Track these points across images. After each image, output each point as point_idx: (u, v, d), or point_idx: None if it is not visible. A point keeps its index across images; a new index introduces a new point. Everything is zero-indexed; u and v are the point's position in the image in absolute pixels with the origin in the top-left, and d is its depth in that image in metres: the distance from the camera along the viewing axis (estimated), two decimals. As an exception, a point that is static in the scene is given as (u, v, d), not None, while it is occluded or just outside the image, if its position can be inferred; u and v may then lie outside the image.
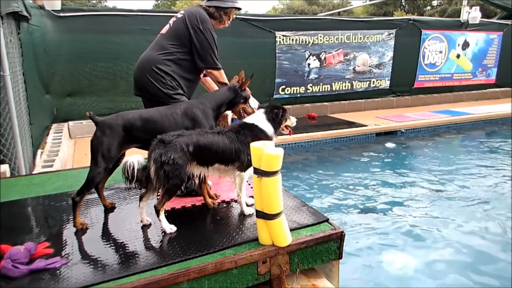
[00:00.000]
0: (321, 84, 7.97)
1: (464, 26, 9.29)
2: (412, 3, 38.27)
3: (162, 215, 2.18)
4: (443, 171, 5.23)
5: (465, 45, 9.38)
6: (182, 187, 2.45)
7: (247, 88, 2.70)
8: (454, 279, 2.97)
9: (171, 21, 2.85)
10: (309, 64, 7.76)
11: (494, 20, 10.90)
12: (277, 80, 7.53)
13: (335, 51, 7.96)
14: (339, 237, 2.29)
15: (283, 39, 7.41)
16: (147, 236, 2.20)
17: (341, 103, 8.18)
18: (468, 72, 9.62)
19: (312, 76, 7.86)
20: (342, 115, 7.61)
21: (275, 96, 7.48)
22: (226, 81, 2.80)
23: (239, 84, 2.61)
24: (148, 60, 2.74)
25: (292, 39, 7.51)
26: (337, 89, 8.17)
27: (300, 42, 7.60)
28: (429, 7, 37.50)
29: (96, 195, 2.59)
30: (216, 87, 2.95)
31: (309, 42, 7.65)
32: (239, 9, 2.98)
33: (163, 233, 2.20)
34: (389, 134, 6.85)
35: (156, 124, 2.36)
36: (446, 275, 3.01)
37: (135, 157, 2.14)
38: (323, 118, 7.57)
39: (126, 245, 2.09)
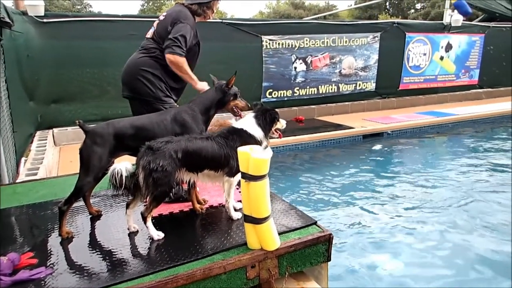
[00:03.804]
0: (307, 87, 8.03)
1: (447, 28, 9.47)
2: (396, 7, 38.88)
3: (150, 222, 2.17)
4: (429, 172, 5.30)
5: (448, 47, 9.56)
6: (171, 194, 2.44)
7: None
8: (442, 278, 3.00)
9: (155, 24, 2.87)
10: (295, 68, 7.82)
11: (475, 22, 11.13)
12: (264, 84, 7.56)
13: (321, 54, 8.03)
14: (327, 240, 2.30)
15: (269, 43, 7.45)
16: (134, 243, 2.18)
17: (328, 105, 8.24)
18: (452, 73, 9.80)
19: (299, 79, 7.91)
20: (329, 118, 7.67)
21: (262, 100, 7.49)
22: (188, 72, 2.72)
23: (225, 83, 2.60)
24: (136, 62, 2.76)
25: (279, 43, 7.56)
26: (324, 92, 8.23)
27: (287, 46, 7.65)
28: (413, 10, 38.15)
29: (82, 203, 2.56)
30: None
31: (295, 46, 7.71)
32: None
33: (150, 240, 2.18)
34: (376, 136, 6.92)
35: (147, 131, 2.35)
36: (434, 275, 3.04)
37: (122, 164, 2.12)
38: (310, 121, 7.62)
39: (113, 253, 2.07)
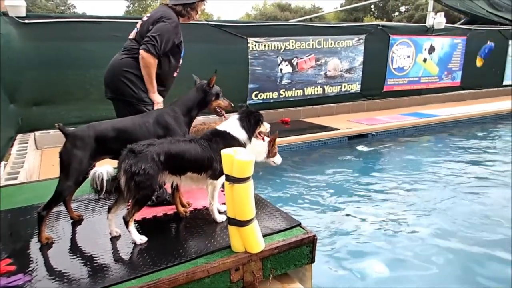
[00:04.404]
0: (293, 89, 8.06)
1: (430, 31, 9.62)
2: (381, 9, 39.42)
3: (132, 226, 2.14)
4: (413, 172, 5.36)
5: (431, 49, 9.71)
6: (153, 197, 2.41)
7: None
8: (425, 278, 3.03)
9: (138, 25, 2.85)
10: (281, 70, 7.84)
11: (458, 25, 11.34)
12: (250, 86, 7.56)
13: (307, 56, 8.07)
14: (312, 241, 2.31)
15: (255, 45, 7.46)
16: (116, 248, 2.15)
17: (313, 107, 8.29)
18: (435, 75, 9.96)
19: (285, 81, 7.94)
20: (315, 120, 7.71)
21: (248, 102, 7.49)
22: (152, 77, 2.67)
23: (206, 82, 2.58)
24: (119, 63, 2.74)
25: (265, 45, 7.57)
26: (310, 93, 8.27)
27: (272, 48, 7.67)
28: (397, 13, 38.73)
29: (63, 208, 2.51)
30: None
31: (281, 48, 7.73)
32: (205, 0, 2.96)
33: (133, 245, 2.16)
34: (361, 137, 6.98)
35: (128, 134, 2.32)
36: (418, 275, 3.06)
37: (104, 167, 2.09)
38: (296, 123, 7.64)
39: (94, 259, 2.03)
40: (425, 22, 10.04)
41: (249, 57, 7.45)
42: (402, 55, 9.25)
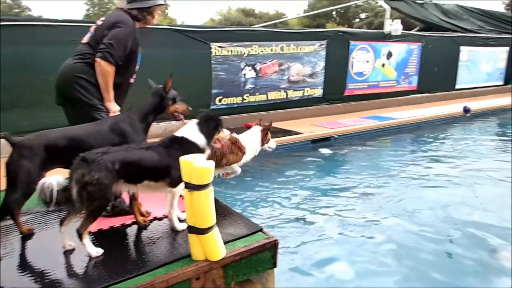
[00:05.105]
0: (257, 94, 8.09)
1: (388, 37, 9.97)
2: (342, 16, 40.57)
3: (86, 239, 2.05)
4: (375, 174, 5.50)
5: (389, 55, 10.07)
6: (109, 207, 2.33)
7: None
8: (390, 277, 3.08)
9: (92, 29, 2.75)
10: (245, 75, 7.85)
11: (414, 32, 11.84)
12: (214, 91, 7.50)
13: (270, 61, 8.14)
14: (273, 246, 2.31)
15: (218, 50, 7.43)
16: (69, 262, 2.06)
17: (277, 112, 8.34)
18: (393, 79, 10.33)
19: (248, 86, 7.95)
20: (279, 124, 7.76)
21: (212, 107, 7.43)
22: (109, 85, 2.61)
23: (162, 87, 2.53)
24: (71, 69, 2.63)
25: (228, 50, 7.56)
26: (273, 98, 8.33)
27: (236, 53, 7.67)
28: (358, 20, 40.00)
29: (11, 221, 2.36)
30: None
31: (244, 53, 7.75)
32: (163, 4, 2.91)
33: (88, 258, 2.07)
34: (324, 140, 7.10)
35: (81, 142, 2.23)
36: (382, 275, 3.12)
37: (54, 177, 1.99)
38: (261, 128, 7.67)
39: (45, 274, 1.93)
40: (383, 29, 10.41)
41: (212, 62, 7.41)
42: (362, 60, 9.53)
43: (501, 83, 13.31)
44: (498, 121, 9.83)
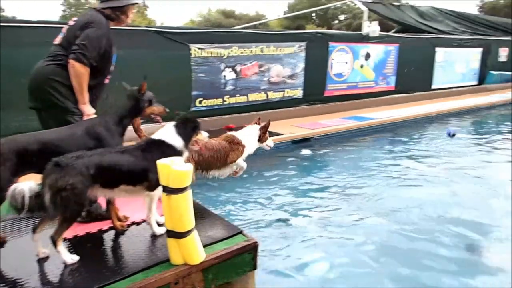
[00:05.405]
0: (237, 95, 8.07)
1: (366, 39, 10.12)
2: (322, 17, 41.00)
3: (61, 246, 2.00)
4: (355, 173, 5.57)
5: (367, 56, 10.22)
6: (84, 213, 2.27)
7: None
8: (370, 277, 3.11)
9: (64, 30, 2.69)
10: (225, 76, 7.82)
11: (391, 33, 12.06)
12: (194, 93, 7.45)
13: (250, 63, 8.13)
14: (253, 248, 2.31)
15: (198, 52, 7.38)
16: (43, 270, 2.00)
17: (257, 113, 8.29)
18: (371, 80, 10.49)
19: (229, 87, 7.93)
20: (260, 125, 7.79)
21: (192, 109, 7.37)
22: (84, 87, 2.55)
23: (137, 89, 2.49)
24: (43, 71, 2.56)
25: (208, 52, 7.52)
26: (254, 100, 8.34)
27: (216, 55, 7.63)
28: (337, 21, 40.50)
29: (-18, 230, 2.29)
30: None
31: (224, 54, 7.72)
32: (136, 4, 2.87)
33: (63, 265, 2.01)
34: (304, 141, 7.15)
35: (55, 147, 2.16)
36: (363, 274, 3.14)
37: (25, 183, 1.92)
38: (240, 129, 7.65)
39: (19, 284, 1.87)
40: (361, 30, 10.56)
41: (191, 63, 7.36)
42: (341, 61, 9.64)
43: (475, 83, 13.71)
44: (473, 120, 10.14)
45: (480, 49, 13.47)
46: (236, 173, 3.38)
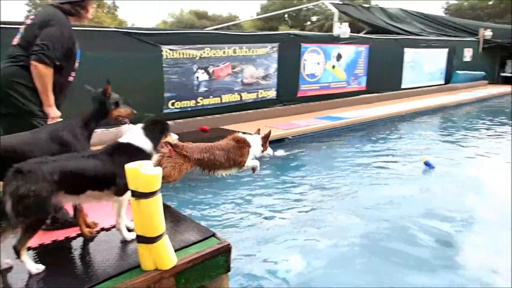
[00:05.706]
0: (211, 96, 8.03)
1: (337, 40, 10.30)
2: (294, 19, 41.39)
3: (25, 256, 1.92)
4: (329, 173, 5.64)
5: (339, 57, 10.40)
6: (48, 221, 2.19)
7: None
8: (348, 275, 3.15)
9: (22, 29, 2.58)
10: (197, 78, 7.76)
11: (361, 34, 12.32)
12: (166, 95, 7.35)
13: (223, 64, 8.11)
14: (227, 250, 2.29)
15: (169, 53, 7.29)
16: (7, 281, 1.91)
17: (231, 114, 8.33)
18: (343, 80, 10.68)
19: (202, 89, 7.87)
20: (234, 126, 7.75)
21: (165, 111, 7.28)
22: (48, 88, 2.48)
23: (101, 91, 2.42)
24: (4, 73, 2.46)
25: (179, 53, 7.44)
26: (227, 101, 8.31)
27: (188, 56, 7.57)
28: (309, 22, 40.99)
29: None
30: None
31: (196, 55, 7.66)
32: None
33: (28, 275, 1.93)
34: (278, 141, 7.18)
35: (17, 153, 2.07)
36: (342, 277, 3.16)
37: (-15, 192, 1.84)
38: (215, 131, 7.61)
39: (-22, 297, 1.78)
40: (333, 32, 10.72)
41: (163, 65, 7.26)
42: (313, 62, 9.76)
43: (442, 82, 14.21)
44: (441, 118, 10.49)
45: (446, 50, 13.97)
46: (254, 170, 3.42)
